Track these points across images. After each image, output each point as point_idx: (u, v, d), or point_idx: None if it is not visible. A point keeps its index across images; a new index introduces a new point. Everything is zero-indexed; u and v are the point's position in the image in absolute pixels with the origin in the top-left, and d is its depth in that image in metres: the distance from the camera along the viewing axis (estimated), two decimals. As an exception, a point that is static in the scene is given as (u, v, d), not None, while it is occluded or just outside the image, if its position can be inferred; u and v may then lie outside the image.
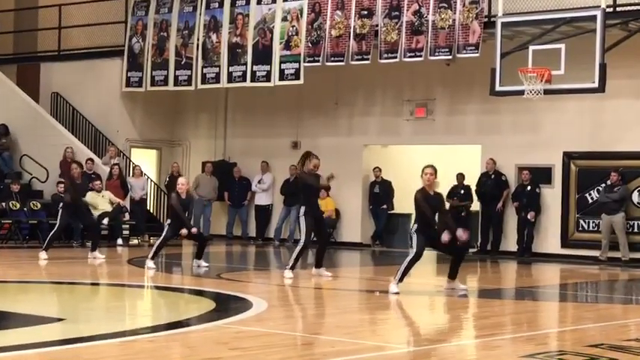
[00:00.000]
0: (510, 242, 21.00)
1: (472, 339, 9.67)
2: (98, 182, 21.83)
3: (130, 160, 24.50)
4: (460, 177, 21.74)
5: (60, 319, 9.80)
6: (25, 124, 24.04)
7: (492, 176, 21.15)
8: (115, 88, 24.55)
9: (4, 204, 20.85)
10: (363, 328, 10.09)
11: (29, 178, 23.31)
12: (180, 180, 16.37)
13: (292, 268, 14.52)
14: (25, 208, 21.11)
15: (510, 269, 18.81)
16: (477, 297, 13.97)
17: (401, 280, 12.54)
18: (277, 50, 21.81)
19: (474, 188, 21.55)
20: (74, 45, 25.48)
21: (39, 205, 21.47)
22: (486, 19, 19.51)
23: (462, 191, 21.64)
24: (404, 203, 22.91)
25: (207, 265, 15.92)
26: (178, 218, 15.66)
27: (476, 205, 21.61)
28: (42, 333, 9.00)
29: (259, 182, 23.99)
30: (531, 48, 18.00)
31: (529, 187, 20.67)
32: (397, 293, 12.37)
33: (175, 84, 23.53)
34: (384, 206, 22.79)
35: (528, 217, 20.54)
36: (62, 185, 20.97)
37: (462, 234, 12.61)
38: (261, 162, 23.91)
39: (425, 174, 12.73)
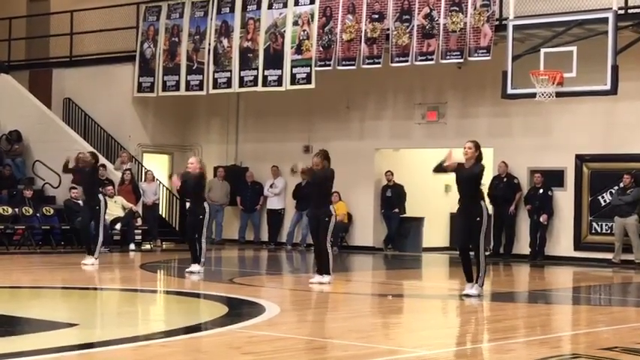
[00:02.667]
0: (523, 245, 20.96)
1: (485, 342, 9.65)
2: (110, 187, 21.88)
3: (142, 166, 24.54)
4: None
5: (73, 325, 9.81)
6: (38, 130, 24.11)
7: (505, 179, 21.13)
8: (127, 93, 24.61)
9: (17, 210, 20.90)
10: (375, 332, 10.08)
11: (42, 183, 23.37)
12: (190, 159, 16.15)
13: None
14: (38, 214, 21.17)
15: (523, 272, 18.78)
16: (489, 300, 13.95)
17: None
18: (288, 54, 21.83)
19: (486, 191, 21.50)
20: (86, 51, 25.57)
21: (52, 211, 21.52)
22: (498, 22, 19.51)
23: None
24: (416, 207, 22.93)
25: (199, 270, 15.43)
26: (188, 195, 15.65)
27: (488, 209, 21.55)
28: (55, 338, 9.01)
29: (271, 187, 24.00)
30: (543, 50, 17.98)
31: (541, 190, 20.63)
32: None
33: (187, 89, 23.58)
34: (396, 210, 22.77)
35: (541, 219, 20.50)
36: (75, 191, 21.04)
37: None
38: (271, 167, 23.92)
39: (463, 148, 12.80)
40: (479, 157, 12.62)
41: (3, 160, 23.37)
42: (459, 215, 12.91)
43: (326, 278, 13.92)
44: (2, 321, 10.13)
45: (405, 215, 22.84)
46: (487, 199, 21.39)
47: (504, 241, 21.16)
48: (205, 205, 15.50)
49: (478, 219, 12.41)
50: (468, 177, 12.52)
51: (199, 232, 15.40)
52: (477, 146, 12.70)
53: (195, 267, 15.30)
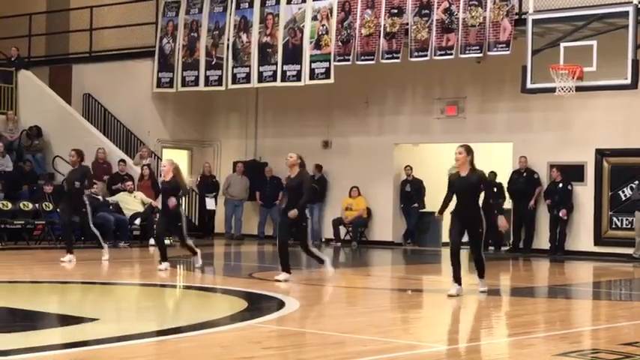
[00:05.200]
0: (543, 240, 20.90)
1: (505, 337, 9.64)
2: (130, 183, 21.95)
3: (162, 161, 24.57)
4: (492, 175, 21.66)
5: (94, 319, 9.86)
6: (58, 126, 24.19)
7: (524, 174, 21.07)
8: (146, 88, 24.67)
9: (37, 205, 20.99)
10: (395, 327, 10.08)
11: (62, 179, 23.43)
12: (163, 162, 16.05)
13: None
14: (58, 210, 21.22)
15: (543, 267, 18.72)
16: (509, 295, 13.93)
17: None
18: (307, 49, 21.83)
19: (505, 186, 21.48)
20: (105, 46, 25.64)
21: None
22: (517, 17, 19.44)
23: (495, 189, 21.57)
24: (435, 202, 22.77)
25: (166, 267, 15.14)
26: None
27: (508, 203, 21.53)
28: (77, 333, 9.06)
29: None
30: (562, 45, 17.92)
31: (561, 185, 20.56)
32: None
33: (206, 84, 23.61)
34: (416, 205, 22.75)
35: (560, 214, 20.43)
36: (95, 186, 21.11)
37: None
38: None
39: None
40: (472, 162, 12.16)
41: (23, 155, 23.46)
42: (456, 220, 12.20)
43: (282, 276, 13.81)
44: (23, 316, 10.19)
45: (424, 210, 22.81)
46: (507, 195, 21.50)
47: (524, 236, 21.10)
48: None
49: (480, 230, 12.15)
50: (466, 187, 12.10)
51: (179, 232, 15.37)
52: (469, 150, 12.17)
53: (165, 264, 15.14)
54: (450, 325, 10.57)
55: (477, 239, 12.29)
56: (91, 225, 16.54)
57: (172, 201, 14.86)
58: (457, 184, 12.19)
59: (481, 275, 12.57)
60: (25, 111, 24.69)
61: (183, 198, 16.41)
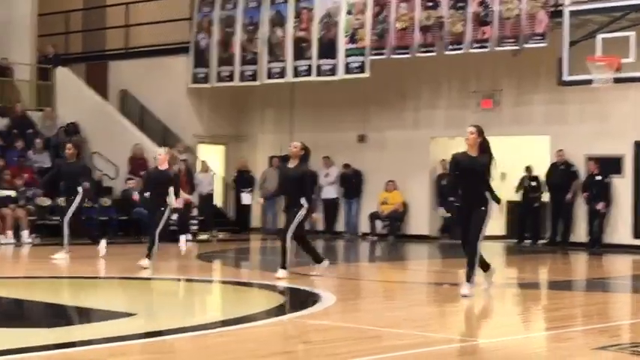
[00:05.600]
0: (581, 233, 20.76)
1: (543, 331, 9.58)
2: (167, 178, 21.99)
3: (197, 156, 24.68)
4: (528, 169, 21.62)
5: (131, 314, 9.91)
6: (95, 122, 24.34)
7: (561, 167, 20.93)
8: (182, 84, 24.76)
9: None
10: (431, 321, 10.05)
11: (99, 175, 23.60)
12: (158, 150, 15.40)
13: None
14: (96, 205, 21.38)
15: (581, 260, 18.60)
16: (547, 289, 13.86)
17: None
18: (342, 44, 21.80)
19: (543, 179, 21.37)
20: (141, 42, 25.76)
21: (109, 202, 21.72)
22: (553, 8, 19.30)
23: (533, 182, 21.52)
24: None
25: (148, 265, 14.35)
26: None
27: (545, 196, 21.42)
28: (114, 328, 9.11)
29: (325, 176, 24.02)
30: (600, 36, 17.78)
31: (598, 178, 20.40)
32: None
33: (241, 79, 23.65)
34: (452, 198, 22.63)
35: (598, 207, 20.28)
36: (132, 181, 21.22)
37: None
38: (322, 157, 23.84)
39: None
40: (483, 144, 11.30)
41: (61, 152, 23.61)
42: (464, 208, 11.44)
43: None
44: (62, 311, 10.28)
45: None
46: (546, 188, 21.38)
47: (561, 230, 20.97)
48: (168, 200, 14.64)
49: (483, 208, 11.29)
50: (474, 167, 11.22)
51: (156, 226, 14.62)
52: (480, 132, 11.31)
53: (145, 261, 14.51)
54: (487, 319, 10.52)
55: (477, 226, 11.29)
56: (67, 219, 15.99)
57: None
58: (464, 164, 11.29)
59: (472, 271, 11.31)
60: (62, 108, 24.87)
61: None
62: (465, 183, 11.40)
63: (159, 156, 14.89)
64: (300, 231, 13.22)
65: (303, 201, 13.02)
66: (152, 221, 14.71)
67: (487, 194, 11.35)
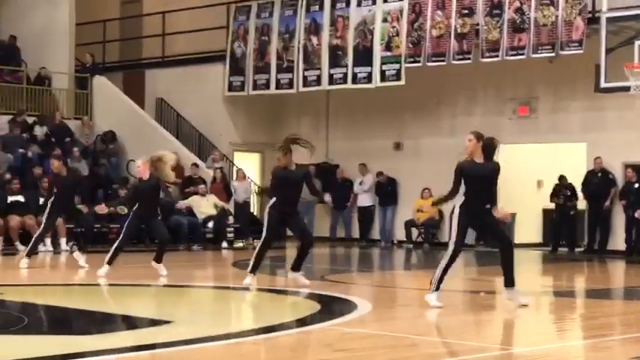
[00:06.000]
0: (618, 241, 20.60)
1: (580, 340, 9.52)
2: (202, 186, 22.13)
3: (233, 164, 24.78)
4: (562, 178, 21.50)
5: (167, 322, 9.96)
6: (132, 130, 24.50)
7: (599, 174, 20.79)
8: (218, 92, 24.86)
9: (112, 208, 21.24)
10: (467, 329, 10.02)
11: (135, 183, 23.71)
12: (137, 162, 15.02)
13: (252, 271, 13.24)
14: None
15: (618, 269, 18.46)
16: (584, 297, 13.76)
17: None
18: (378, 51, 21.81)
19: (579, 187, 21.23)
20: (177, 51, 25.91)
21: (145, 210, 21.79)
22: (590, 15, 19.21)
23: (569, 192, 21.39)
24: (508, 203, 22.59)
25: (165, 274, 14.32)
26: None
27: (581, 204, 21.29)
28: (150, 335, 9.16)
29: (360, 184, 24.03)
30: (637, 43, 17.66)
31: (637, 185, 20.25)
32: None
33: (277, 87, 23.73)
34: (488, 206, 22.52)
35: (636, 215, 20.11)
36: (168, 188, 21.32)
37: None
38: (358, 164, 23.88)
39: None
40: (486, 150, 10.99)
41: (98, 160, 23.80)
42: (475, 215, 11.19)
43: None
44: (99, 318, 10.34)
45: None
46: (580, 195, 21.24)
47: (599, 237, 20.82)
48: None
49: (496, 222, 11.17)
50: (482, 175, 10.96)
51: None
52: (479, 137, 10.98)
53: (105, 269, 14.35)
54: (523, 328, 10.46)
55: (496, 225, 11.19)
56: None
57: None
58: (470, 172, 10.94)
59: (511, 282, 11.09)
60: (99, 116, 25.06)
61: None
62: (473, 190, 11.09)
63: (138, 168, 14.59)
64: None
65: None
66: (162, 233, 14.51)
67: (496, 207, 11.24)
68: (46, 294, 13.14)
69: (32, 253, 15.89)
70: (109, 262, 14.17)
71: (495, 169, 11.11)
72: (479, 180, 11.00)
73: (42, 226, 15.95)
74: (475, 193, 11.03)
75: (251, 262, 13.19)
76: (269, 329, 9.54)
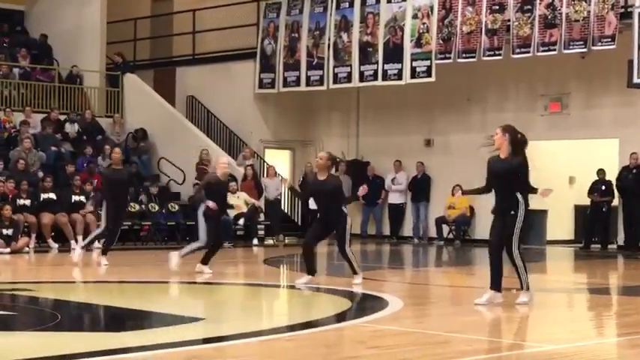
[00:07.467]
0: (653, 238, 20.43)
1: (614, 337, 9.46)
2: (233, 183, 22.12)
3: (264, 161, 24.81)
4: (601, 172, 21.32)
5: (199, 319, 9.99)
6: (163, 128, 24.58)
7: (634, 171, 20.61)
8: (248, 89, 24.90)
9: (143, 206, 21.38)
10: (499, 327, 9.98)
11: (167, 180, 23.83)
12: (222, 159, 15.03)
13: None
14: (164, 210, 21.60)
15: (652, 265, 18.32)
16: (618, 294, 13.67)
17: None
18: (408, 48, 21.75)
19: (614, 183, 21.06)
20: (208, 49, 25.96)
21: (177, 207, 21.92)
22: (623, 10, 19.05)
23: (603, 187, 21.21)
24: (539, 199, 22.46)
25: (210, 272, 14.28)
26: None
27: (615, 201, 21.13)
28: (183, 332, 9.19)
29: (393, 181, 23.97)
30: (670, 38, 17.51)
31: (671, 182, 20.07)
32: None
33: (307, 84, 23.72)
34: (512, 212, 22.38)
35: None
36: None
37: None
38: (394, 161, 23.84)
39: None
40: (513, 144, 10.89)
41: (130, 157, 23.90)
42: (496, 212, 11.26)
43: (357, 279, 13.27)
44: (131, 315, 10.39)
45: (528, 208, 22.45)
46: (616, 192, 21.07)
47: (633, 234, 20.65)
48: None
49: (512, 212, 11.04)
50: (505, 171, 10.86)
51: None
52: (506, 130, 10.93)
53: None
54: (557, 325, 10.40)
55: (510, 228, 11.13)
56: None
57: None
58: (494, 168, 10.95)
59: (521, 285, 11.16)
60: (130, 114, 25.16)
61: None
62: (495, 187, 11.14)
63: (221, 165, 14.47)
64: (317, 241, 13.42)
65: (345, 210, 12.99)
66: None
67: (519, 197, 11.07)
68: (78, 291, 13.22)
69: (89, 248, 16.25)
70: (204, 262, 14.29)
71: (517, 165, 10.91)
72: (495, 178, 11.04)
73: (103, 226, 15.69)
74: (495, 191, 11.14)
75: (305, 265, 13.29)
76: (302, 326, 9.54)
